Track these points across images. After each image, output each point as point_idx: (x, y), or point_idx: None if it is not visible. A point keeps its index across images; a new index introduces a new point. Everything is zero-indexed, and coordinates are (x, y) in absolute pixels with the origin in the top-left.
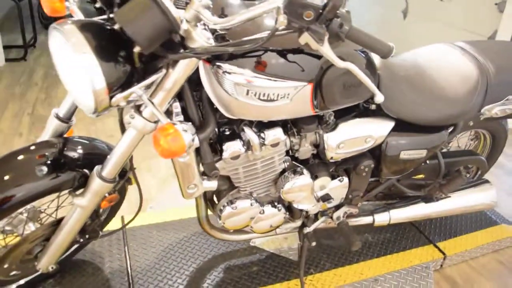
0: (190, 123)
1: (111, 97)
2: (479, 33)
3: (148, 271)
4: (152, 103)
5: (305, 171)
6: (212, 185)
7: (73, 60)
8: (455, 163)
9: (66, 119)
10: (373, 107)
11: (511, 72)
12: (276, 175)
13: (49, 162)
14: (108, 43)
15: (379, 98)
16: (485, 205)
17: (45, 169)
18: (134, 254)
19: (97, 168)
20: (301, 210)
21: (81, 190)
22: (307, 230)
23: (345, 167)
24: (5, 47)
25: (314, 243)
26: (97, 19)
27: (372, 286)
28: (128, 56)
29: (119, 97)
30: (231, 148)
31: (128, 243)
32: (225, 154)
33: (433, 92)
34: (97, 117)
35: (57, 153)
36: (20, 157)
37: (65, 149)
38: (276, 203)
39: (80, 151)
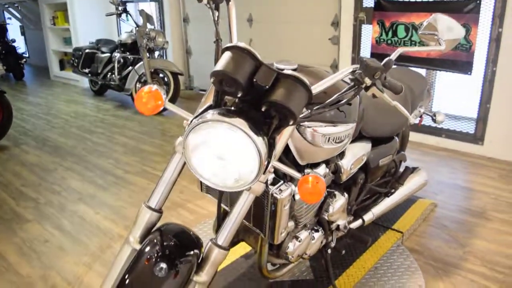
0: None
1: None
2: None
3: None
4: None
5: (337, 193)
6: None
7: (243, 142)
8: (395, 161)
9: (159, 209)
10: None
11: (414, 90)
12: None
13: (162, 256)
14: (256, 123)
15: (412, 121)
16: (423, 184)
17: (164, 265)
18: None
19: (211, 240)
20: (330, 228)
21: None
22: (332, 244)
23: (347, 183)
24: None
25: (344, 251)
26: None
27: (375, 274)
28: (267, 132)
29: (269, 168)
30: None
31: None
32: None
33: (388, 112)
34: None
35: (165, 245)
36: (136, 267)
37: (168, 238)
38: (315, 228)
39: (179, 236)
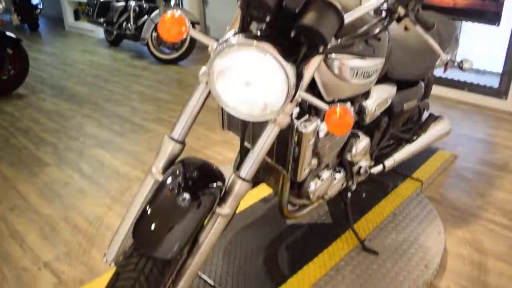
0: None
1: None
2: None
3: None
4: (309, 96)
5: (361, 134)
6: None
7: (271, 67)
8: (419, 107)
9: (182, 141)
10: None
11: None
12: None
13: (185, 187)
14: (285, 50)
15: (444, 57)
16: (446, 132)
17: (187, 196)
18: None
19: (234, 173)
20: (352, 170)
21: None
22: (353, 187)
23: (370, 127)
24: None
25: (364, 194)
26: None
27: (394, 220)
28: (295, 60)
29: (296, 97)
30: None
31: None
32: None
33: (415, 54)
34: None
35: (188, 176)
36: (158, 198)
37: (190, 170)
38: (337, 169)
39: (202, 169)
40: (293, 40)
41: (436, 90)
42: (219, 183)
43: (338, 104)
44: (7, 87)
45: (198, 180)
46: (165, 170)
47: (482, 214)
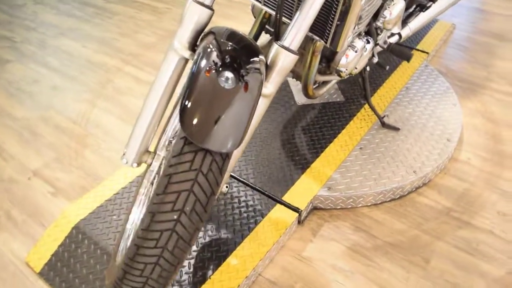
0: None
1: None
2: None
3: None
4: None
5: None
6: None
7: None
8: None
9: (210, 5)
10: None
11: None
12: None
13: (224, 64)
14: None
15: None
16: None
17: (229, 74)
18: None
19: (276, 43)
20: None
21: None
22: (375, 59)
23: None
24: None
25: (388, 67)
26: None
27: (407, 93)
28: None
29: None
30: None
31: None
32: None
33: None
34: None
35: (224, 50)
36: (196, 83)
37: (225, 43)
38: (366, 38)
39: (237, 41)
40: None
41: None
42: (261, 57)
43: None
44: None
45: (238, 54)
46: (192, 44)
47: (488, 84)
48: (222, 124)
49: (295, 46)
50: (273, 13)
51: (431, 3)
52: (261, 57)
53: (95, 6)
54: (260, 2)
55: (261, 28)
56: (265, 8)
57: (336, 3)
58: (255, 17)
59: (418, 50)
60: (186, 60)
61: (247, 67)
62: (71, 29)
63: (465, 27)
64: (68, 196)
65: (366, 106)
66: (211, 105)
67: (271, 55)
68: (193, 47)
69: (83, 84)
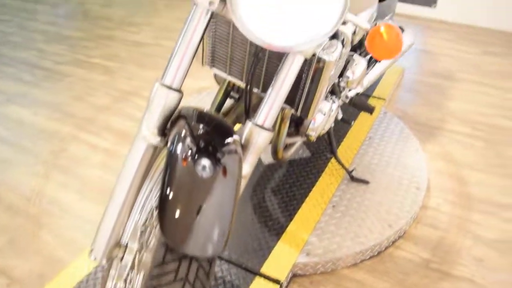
0: None
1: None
2: None
3: None
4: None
5: (356, 56)
6: None
7: None
8: None
9: (178, 88)
10: None
11: None
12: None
13: (199, 151)
14: None
15: None
16: (410, 45)
17: (206, 162)
18: None
19: (250, 121)
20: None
21: None
22: (339, 115)
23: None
24: None
25: (353, 122)
26: None
27: (371, 143)
28: None
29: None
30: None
31: None
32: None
33: None
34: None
35: (197, 136)
36: (174, 175)
37: (196, 127)
38: (332, 98)
39: (209, 122)
40: None
41: None
42: (236, 137)
43: (381, 22)
44: None
45: (212, 137)
46: (161, 130)
47: (443, 125)
48: (206, 223)
49: (269, 123)
50: (240, 83)
51: None
52: (236, 137)
53: (43, 68)
54: (225, 72)
55: (225, 96)
56: (232, 79)
57: (306, 74)
58: (218, 84)
59: (374, 97)
60: (155, 147)
61: (223, 149)
62: (19, 95)
63: (414, 70)
64: (26, 287)
65: (333, 160)
66: (192, 201)
67: (245, 134)
68: (162, 132)
69: (36, 156)
